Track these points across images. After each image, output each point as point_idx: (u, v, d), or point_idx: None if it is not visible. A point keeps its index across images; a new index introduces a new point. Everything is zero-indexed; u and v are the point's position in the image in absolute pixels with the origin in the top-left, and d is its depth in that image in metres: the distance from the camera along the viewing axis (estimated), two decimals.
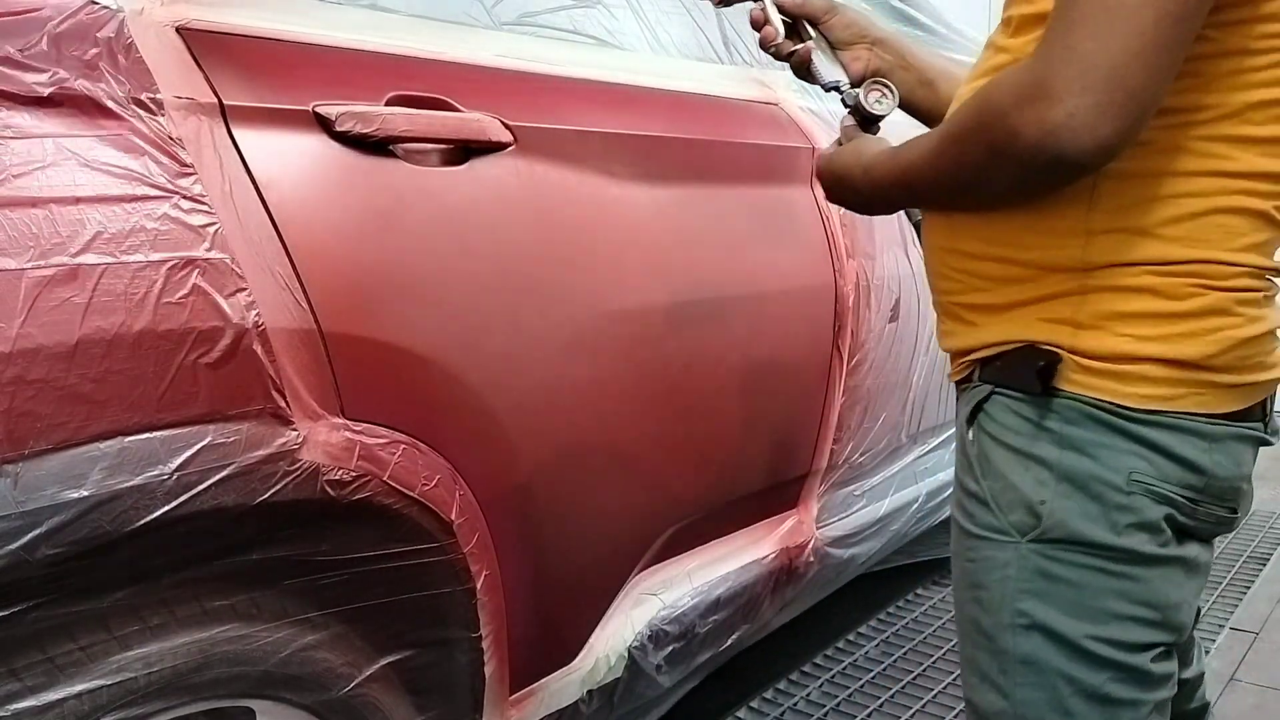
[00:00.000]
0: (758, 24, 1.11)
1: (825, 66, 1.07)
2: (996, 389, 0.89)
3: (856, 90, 1.04)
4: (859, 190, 0.99)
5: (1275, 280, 0.86)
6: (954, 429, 2.19)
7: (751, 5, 1.08)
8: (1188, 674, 1.04)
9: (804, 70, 1.09)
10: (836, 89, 1.07)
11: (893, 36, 1.13)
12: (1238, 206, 0.81)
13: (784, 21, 1.08)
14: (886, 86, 1.05)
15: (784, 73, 1.83)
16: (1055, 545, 0.86)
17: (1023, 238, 0.86)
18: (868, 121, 1.06)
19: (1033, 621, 0.87)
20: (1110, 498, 0.84)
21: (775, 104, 1.75)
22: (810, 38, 1.06)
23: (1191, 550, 0.88)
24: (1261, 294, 0.84)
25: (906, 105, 1.12)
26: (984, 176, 0.82)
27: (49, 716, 0.83)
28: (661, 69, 1.54)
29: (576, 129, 1.30)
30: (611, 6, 1.49)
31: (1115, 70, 0.71)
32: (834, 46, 1.09)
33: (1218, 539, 0.95)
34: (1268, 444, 0.90)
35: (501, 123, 1.18)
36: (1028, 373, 0.85)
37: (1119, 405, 0.83)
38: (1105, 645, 0.86)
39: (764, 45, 1.10)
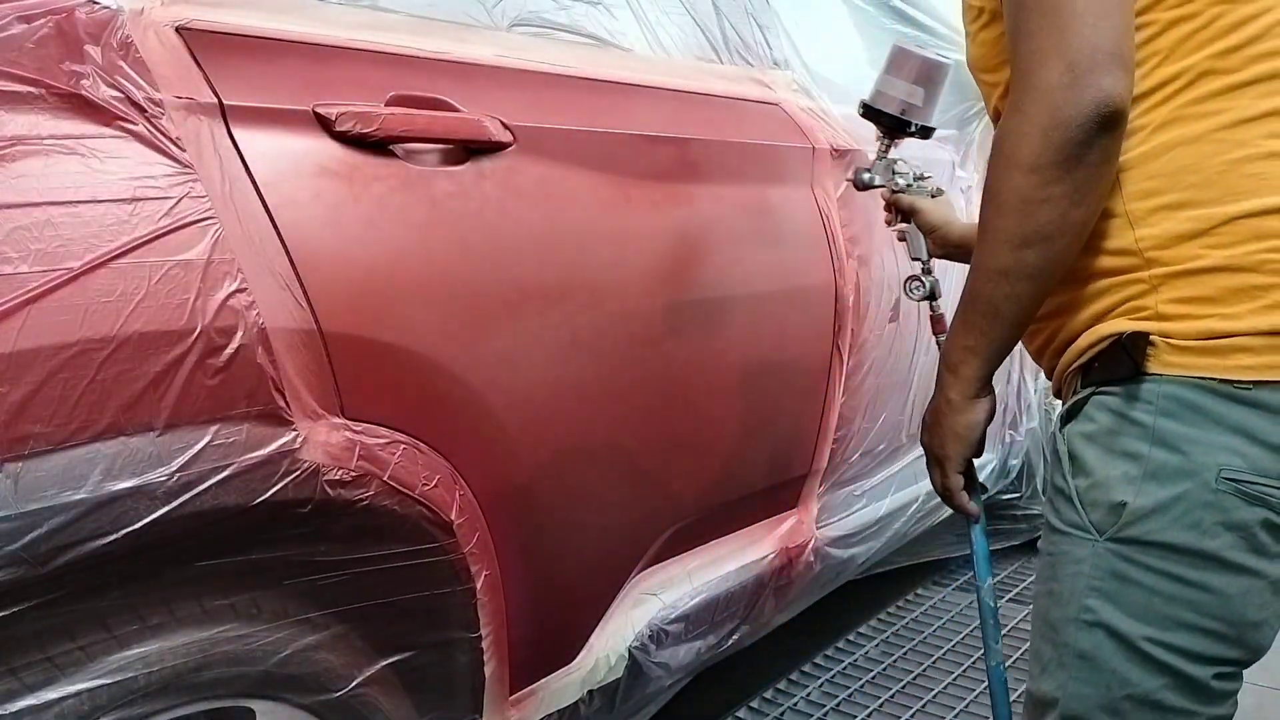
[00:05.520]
0: (886, 209, 1.49)
1: (915, 244, 1.46)
2: (1096, 390, 0.90)
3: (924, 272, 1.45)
4: (963, 375, 0.99)
5: None
6: None
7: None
8: None
9: (902, 240, 1.48)
10: (919, 260, 1.45)
11: (957, 232, 1.41)
12: (1263, 152, 0.82)
13: (897, 209, 1.48)
14: (921, 281, 1.43)
15: (784, 73, 1.83)
16: (1133, 545, 0.86)
17: (1086, 243, 0.89)
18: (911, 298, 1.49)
19: (1097, 619, 0.88)
20: (1197, 496, 0.83)
21: (775, 104, 1.75)
22: (909, 222, 1.46)
23: None
24: None
25: None
26: (1053, 190, 0.83)
27: (49, 716, 0.83)
28: (661, 68, 1.54)
29: (576, 129, 1.30)
30: (611, 6, 1.49)
31: (1091, 35, 0.81)
32: (924, 232, 1.45)
33: None
34: None
35: (501, 123, 1.18)
36: (1120, 356, 0.87)
37: (1219, 380, 0.82)
38: (1167, 651, 0.86)
39: (887, 223, 1.50)
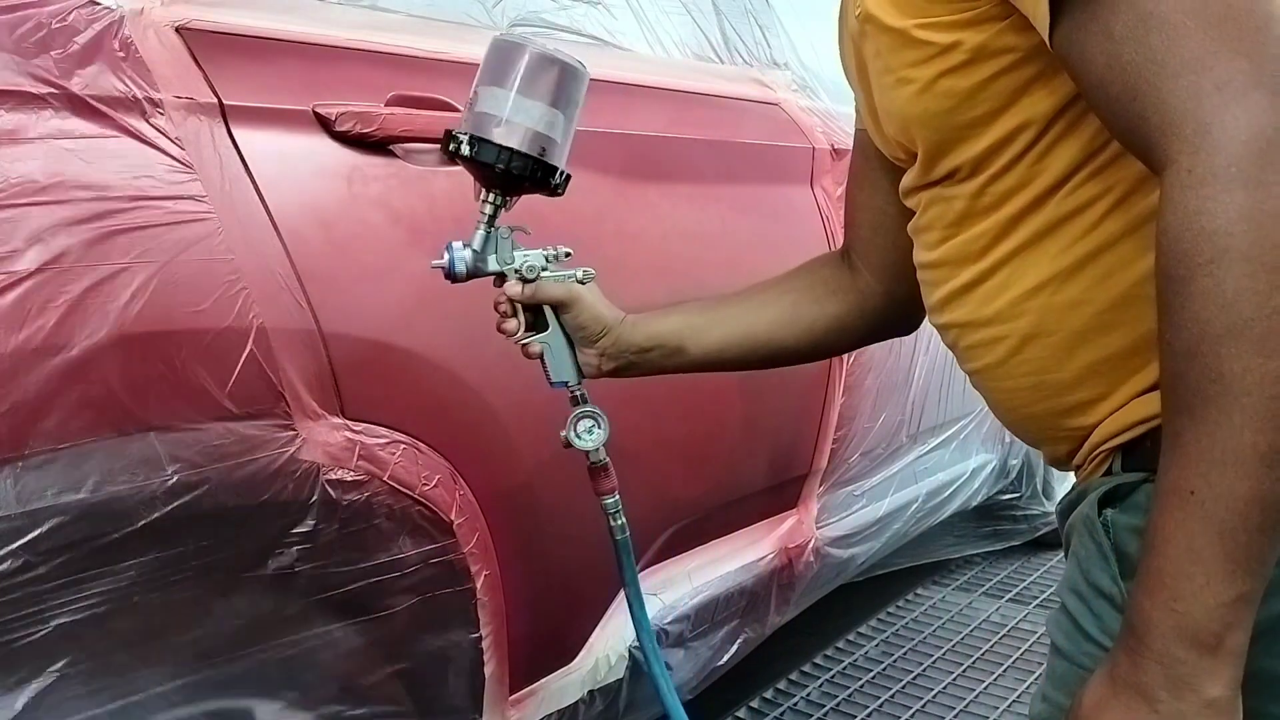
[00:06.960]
0: (500, 313, 1.01)
1: (559, 362, 1.00)
2: (1150, 477, 0.66)
3: (581, 400, 1.02)
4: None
5: None
6: (955, 428, 2.20)
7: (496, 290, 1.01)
8: None
9: (535, 357, 1.01)
10: (565, 387, 1.02)
11: (647, 330, 1.04)
12: None
13: (526, 308, 1.00)
14: (597, 418, 1.01)
15: (784, 72, 1.83)
16: None
17: (1128, 318, 0.71)
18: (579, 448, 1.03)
19: None
20: None
21: (775, 104, 1.75)
22: (548, 328, 1.00)
23: None
24: None
25: (675, 370, 1.07)
26: None
27: (49, 716, 0.83)
28: (661, 68, 1.54)
29: (576, 129, 1.30)
30: (611, 6, 1.49)
31: None
32: (584, 340, 1.01)
33: None
34: None
35: None
36: None
37: None
38: None
39: (502, 332, 1.00)
